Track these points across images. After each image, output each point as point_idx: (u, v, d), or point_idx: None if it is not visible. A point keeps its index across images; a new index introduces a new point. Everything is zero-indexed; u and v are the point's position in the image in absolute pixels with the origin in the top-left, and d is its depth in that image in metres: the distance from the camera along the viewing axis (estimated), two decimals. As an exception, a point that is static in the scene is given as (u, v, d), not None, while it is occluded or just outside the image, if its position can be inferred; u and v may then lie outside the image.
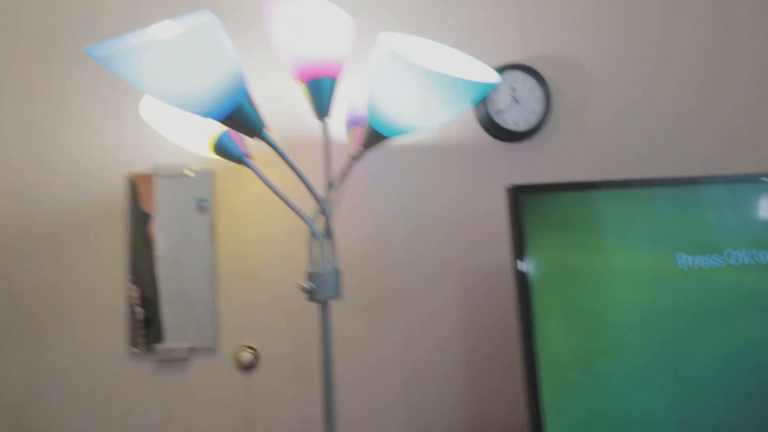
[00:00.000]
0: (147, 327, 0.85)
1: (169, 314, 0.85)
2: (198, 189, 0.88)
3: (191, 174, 0.88)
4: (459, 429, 0.90)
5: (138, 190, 0.88)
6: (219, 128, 0.66)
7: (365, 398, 0.89)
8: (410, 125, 0.57)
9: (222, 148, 0.66)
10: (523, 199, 0.70)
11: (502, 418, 0.91)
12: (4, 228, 0.86)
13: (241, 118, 0.55)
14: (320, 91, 0.63)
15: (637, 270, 0.68)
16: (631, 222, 0.70)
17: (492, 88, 0.51)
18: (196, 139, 0.68)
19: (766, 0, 1.08)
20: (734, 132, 1.04)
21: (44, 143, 0.88)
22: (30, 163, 0.88)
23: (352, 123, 0.78)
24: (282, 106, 0.91)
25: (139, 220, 0.87)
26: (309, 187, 0.62)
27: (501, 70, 0.96)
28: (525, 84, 0.97)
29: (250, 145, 0.89)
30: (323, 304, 0.64)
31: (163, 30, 0.48)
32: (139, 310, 0.87)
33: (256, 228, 0.89)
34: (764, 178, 0.76)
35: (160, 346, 0.85)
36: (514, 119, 0.96)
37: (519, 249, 0.67)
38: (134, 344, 0.85)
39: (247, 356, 0.87)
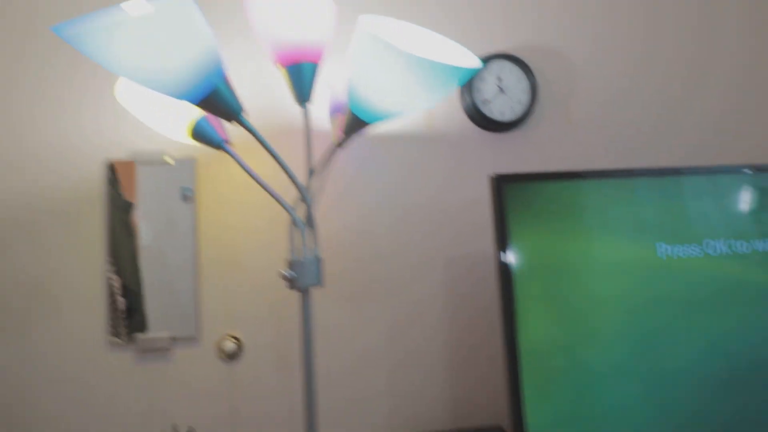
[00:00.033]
0: (129, 317, 0.84)
1: (152, 304, 0.84)
2: (180, 177, 0.87)
3: (171, 161, 0.87)
4: (444, 418, 0.91)
5: (119, 178, 0.86)
6: (197, 113, 0.65)
7: (350, 387, 0.89)
8: (391, 110, 0.56)
9: (200, 134, 0.65)
10: (506, 188, 0.69)
11: (486, 407, 0.92)
12: (-21, 215, 0.84)
13: (217, 101, 0.53)
14: (301, 76, 0.62)
15: (618, 259, 0.69)
16: (613, 212, 0.70)
17: (473, 73, 0.50)
18: (174, 124, 0.67)
19: (751, -8, 1.08)
20: (720, 123, 1.05)
21: (21, 129, 0.86)
22: (7, 149, 0.85)
23: (336, 110, 0.77)
24: (263, 92, 0.90)
25: (121, 209, 0.86)
26: (289, 174, 0.61)
27: (487, 59, 0.95)
28: (511, 74, 0.97)
29: (231, 132, 0.88)
30: (304, 293, 0.64)
31: (135, 8, 0.46)
32: (121, 300, 0.85)
33: (239, 216, 0.88)
34: (746, 170, 0.76)
35: (141, 336, 0.84)
36: (500, 109, 0.96)
37: (502, 238, 0.67)
38: (116, 334, 0.83)
39: (230, 345, 0.86)
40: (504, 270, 0.66)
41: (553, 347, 0.66)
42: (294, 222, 0.64)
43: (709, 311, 0.69)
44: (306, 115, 0.65)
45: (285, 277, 0.61)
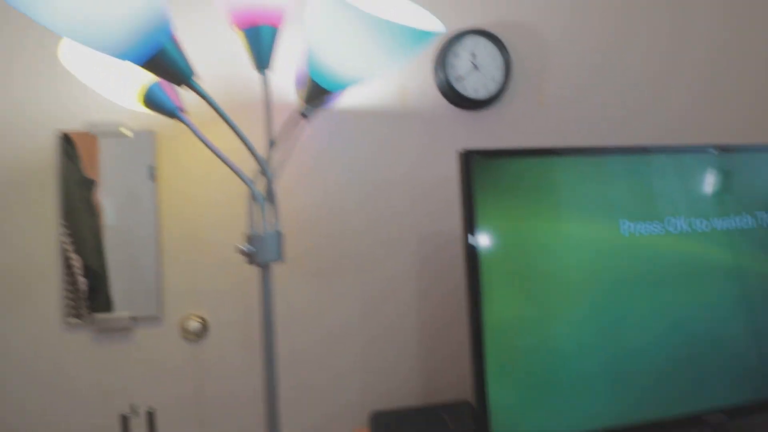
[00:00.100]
0: (92, 297, 0.81)
1: (117, 284, 0.81)
2: (139, 150, 0.82)
3: (129, 133, 0.82)
4: (415, 394, 0.91)
5: (79, 153, 0.82)
6: (149, 78, 0.61)
7: (322, 365, 0.88)
8: (352, 76, 0.54)
9: (153, 100, 0.61)
10: (474, 164, 0.68)
11: (457, 384, 0.93)
12: None
13: (164, 62, 0.50)
14: (259, 41, 0.59)
15: (583, 237, 0.69)
16: (579, 189, 0.70)
17: (433, 36, 0.48)
18: (125, 90, 0.63)
19: (725, -25, 1.08)
20: (693, 101, 1.06)
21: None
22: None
23: (302, 81, 0.74)
24: (223, 58, 0.85)
25: (82, 187, 0.81)
26: (247, 145, 0.59)
27: (461, 35, 0.93)
28: (486, 50, 0.95)
29: (190, 101, 0.83)
30: (264, 268, 0.62)
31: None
32: (83, 280, 0.82)
33: (203, 191, 0.85)
34: (711, 149, 0.77)
35: (100, 316, 0.81)
36: (473, 86, 0.94)
37: (469, 215, 0.66)
38: (78, 315, 0.80)
39: (194, 325, 0.84)
40: (470, 246, 0.65)
41: (517, 324, 0.66)
42: (253, 195, 0.61)
43: (669, 288, 0.70)
44: (265, 83, 0.62)
45: (243, 252, 0.59)
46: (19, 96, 0.80)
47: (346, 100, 0.90)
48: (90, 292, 0.81)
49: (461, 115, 0.96)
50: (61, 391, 0.80)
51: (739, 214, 0.74)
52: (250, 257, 0.60)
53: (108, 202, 0.81)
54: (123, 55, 0.48)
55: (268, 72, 0.62)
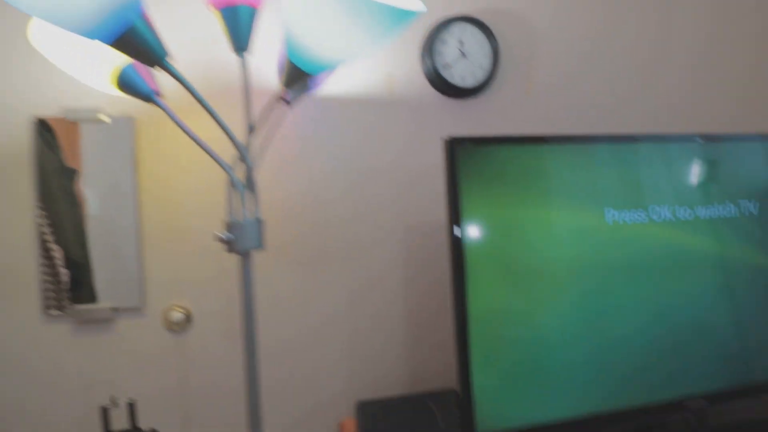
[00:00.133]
0: (75, 289, 0.79)
1: (100, 275, 0.79)
2: (118, 137, 0.80)
3: (107, 119, 0.80)
4: (402, 383, 0.91)
5: (60, 143, 0.79)
6: (123, 59, 0.59)
7: (308, 354, 0.88)
8: (331, 58, 0.52)
9: (126, 83, 0.59)
10: (459, 151, 0.67)
11: (443, 373, 0.92)
12: None
13: (134, 41, 0.48)
14: (237, 21, 0.57)
15: (568, 225, 0.68)
16: (564, 177, 0.69)
17: (413, 16, 0.47)
18: (99, 73, 0.61)
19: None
20: (682, 89, 1.06)
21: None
22: None
23: (283, 63, 0.72)
24: (198, 40, 0.83)
25: (62, 176, 0.79)
26: (225, 129, 0.57)
27: (449, 22, 0.91)
28: (473, 38, 0.93)
29: (168, 86, 0.81)
30: (244, 256, 0.60)
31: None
32: (64, 271, 0.80)
33: (184, 178, 0.83)
34: (697, 139, 0.77)
35: (80, 307, 0.79)
36: (461, 74, 0.93)
37: (453, 202, 0.66)
38: (59, 307, 0.78)
39: (177, 315, 0.83)
40: (454, 234, 0.64)
41: (502, 312, 0.66)
42: (232, 182, 0.60)
43: (652, 276, 0.70)
44: (244, 66, 0.60)
45: (222, 240, 0.58)
46: (-9, 80, 0.78)
47: (331, 87, 0.89)
48: (73, 284, 0.79)
49: (448, 104, 0.95)
50: (41, 384, 0.79)
51: (722, 203, 0.74)
52: (230, 245, 0.58)
53: (90, 191, 0.79)
54: (91, 33, 0.47)
55: (246, 55, 0.60)
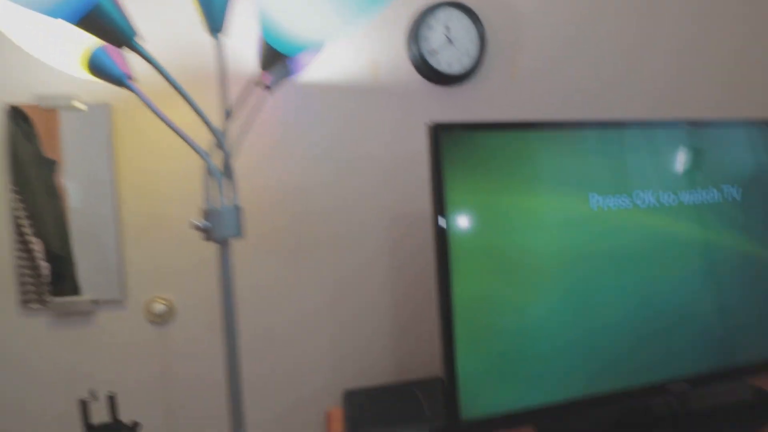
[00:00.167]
0: (57, 282, 0.77)
1: (82, 267, 0.77)
2: (95, 125, 0.78)
3: (83, 107, 0.78)
4: (389, 373, 0.91)
5: (36, 131, 0.77)
6: (93, 41, 0.57)
7: (294, 345, 0.87)
8: (307, 38, 0.51)
9: (97, 66, 0.57)
10: (444, 137, 0.66)
11: (431, 363, 0.92)
12: None
13: (101, 19, 0.46)
14: (211, 0, 0.55)
15: (552, 211, 0.68)
16: (549, 163, 0.69)
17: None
18: (69, 56, 0.58)
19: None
20: (667, 75, 1.05)
21: None
22: None
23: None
24: (171, 21, 0.80)
25: (41, 168, 0.77)
26: (199, 114, 0.55)
27: (435, 7, 0.90)
28: (460, 23, 0.92)
29: (145, 72, 0.79)
30: (222, 244, 0.59)
31: None
32: (45, 264, 0.78)
33: (163, 166, 0.81)
34: (682, 124, 0.76)
35: (59, 300, 0.78)
36: (447, 60, 0.91)
37: (438, 189, 0.65)
38: (39, 300, 0.77)
39: (159, 307, 0.81)
40: (439, 221, 0.64)
41: (487, 299, 0.65)
42: (209, 169, 0.58)
43: (636, 262, 0.70)
44: (219, 48, 0.58)
45: (198, 228, 0.56)
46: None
47: (314, 73, 0.87)
48: (54, 277, 0.77)
49: (435, 91, 0.93)
50: (21, 378, 0.77)
51: (705, 188, 0.74)
52: (207, 233, 0.57)
53: (71, 183, 0.77)
54: (54, 12, 0.44)
55: (222, 36, 0.59)
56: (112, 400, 0.68)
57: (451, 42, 0.91)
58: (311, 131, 0.87)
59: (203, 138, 0.78)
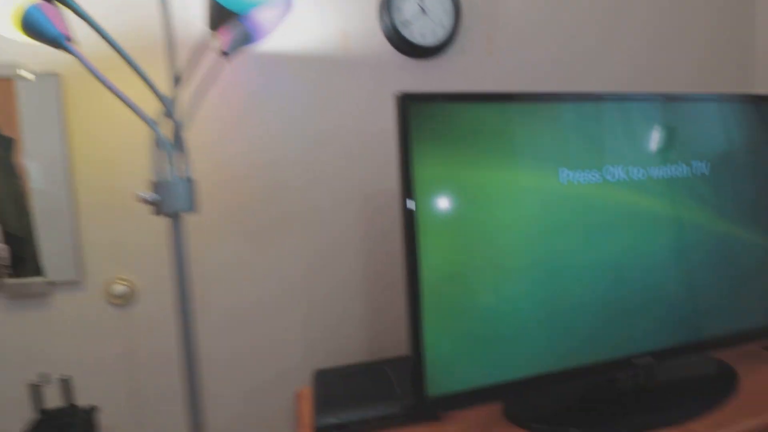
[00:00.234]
0: (17, 264, 0.74)
1: (46, 248, 0.74)
2: (44, 96, 0.73)
3: (30, 76, 0.73)
4: (361, 352, 0.90)
5: None
6: (24, -1, 0.52)
7: (264, 325, 0.85)
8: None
9: (31, 26, 0.52)
10: (412, 109, 0.63)
11: (403, 342, 0.91)
12: None
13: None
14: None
15: (521, 185, 0.66)
16: (518, 137, 0.66)
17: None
18: (1, 16, 0.53)
19: None
20: (641, 48, 1.03)
21: None
22: None
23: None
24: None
25: None
26: (142, 77, 0.51)
27: (407, -28, 0.85)
28: (434, -8, 0.88)
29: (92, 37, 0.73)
30: (174, 218, 0.56)
31: None
32: (2, 246, 0.74)
33: (119, 139, 0.77)
34: (657, 98, 0.75)
35: (10, 282, 0.74)
36: (420, 31, 0.88)
37: (405, 162, 0.62)
38: None
39: (120, 288, 0.78)
40: (406, 196, 0.61)
41: (455, 276, 0.64)
42: (157, 139, 0.54)
43: (604, 236, 0.69)
44: (165, 7, 0.54)
45: (145, 200, 0.53)
46: None
47: (280, 42, 0.83)
48: (14, 259, 0.74)
49: (408, 63, 0.90)
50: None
51: (675, 163, 0.73)
52: (156, 206, 0.54)
53: (31, 162, 0.73)
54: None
55: (168, -6, 0.54)
56: (66, 384, 0.66)
57: (425, 12, 0.88)
58: (277, 103, 0.83)
59: (156, 108, 0.74)
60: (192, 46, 0.74)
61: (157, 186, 0.54)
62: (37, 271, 0.75)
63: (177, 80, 0.56)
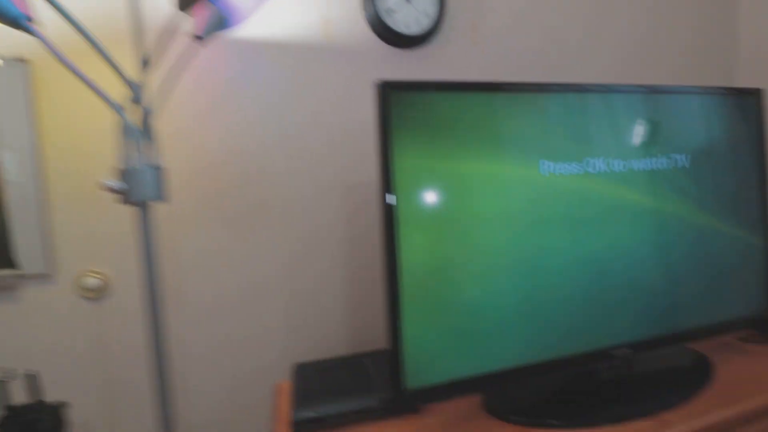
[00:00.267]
0: None
1: (15, 240, 0.71)
2: (12, 82, 0.70)
3: (-3, 61, 0.70)
4: (343, 346, 0.89)
5: None
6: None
7: (243, 318, 0.83)
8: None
9: (-12, 4, 0.50)
10: (393, 97, 0.62)
11: (384, 337, 0.90)
12: None
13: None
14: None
15: (502, 176, 0.65)
16: (499, 127, 0.65)
17: None
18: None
19: None
20: (630, 39, 1.03)
21: None
22: None
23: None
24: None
25: None
26: (107, 59, 0.49)
27: (390, -41, 0.84)
28: (418, -20, 0.86)
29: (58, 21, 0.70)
30: (141, 207, 0.54)
31: None
32: None
33: (90, 127, 0.74)
34: (641, 90, 0.74)
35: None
36: (404, 20, 0.86)
37: (385, 152, 0.61)
38: None
39: (92, 282, 0.76)
40: (385, 187, 0.60)
41: (435, 267, 0.63)
42: (124, 125, 0.52)
43: (584, 228, 0.69)
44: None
45: (110, 189, 0.51)
46: None
47: (259, 28, 0.80)
48: None
49: (392, 53, 0.88)
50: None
51: (655, 156, 0.73)
52: (123, 195, 0.52)
53: (4, 152, 0.70)
54: None
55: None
56: (32, 379, 0.64)
57: (409, 0, 0.86)
58: (255, 90, 0.81)
59: (124, 94, 0.71)
60: (161, 28, 0.72)
61: (124, 174, 0.52)
62: (8, 263, 0.73)
63: (145, 64, 0.54)
